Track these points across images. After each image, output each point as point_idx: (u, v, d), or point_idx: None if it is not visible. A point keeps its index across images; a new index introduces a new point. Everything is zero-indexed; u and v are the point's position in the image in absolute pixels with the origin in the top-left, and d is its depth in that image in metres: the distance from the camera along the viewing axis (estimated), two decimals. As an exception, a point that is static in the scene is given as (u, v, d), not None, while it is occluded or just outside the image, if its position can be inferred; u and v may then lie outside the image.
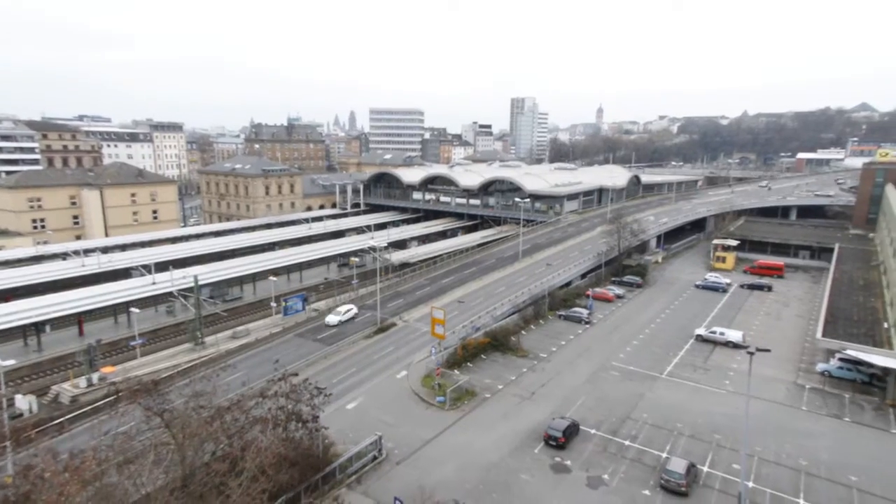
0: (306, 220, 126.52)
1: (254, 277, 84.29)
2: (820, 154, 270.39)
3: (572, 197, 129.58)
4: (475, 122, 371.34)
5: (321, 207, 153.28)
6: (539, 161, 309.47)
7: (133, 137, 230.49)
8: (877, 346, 49.50)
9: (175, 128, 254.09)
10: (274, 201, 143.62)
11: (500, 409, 46.55)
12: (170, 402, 29.64)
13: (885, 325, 54.25)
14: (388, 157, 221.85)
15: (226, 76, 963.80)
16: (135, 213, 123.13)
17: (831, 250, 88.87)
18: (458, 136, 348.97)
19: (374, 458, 38.81)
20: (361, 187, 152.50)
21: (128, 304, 66.43)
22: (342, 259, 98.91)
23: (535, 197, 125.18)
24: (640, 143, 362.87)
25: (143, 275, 76.60)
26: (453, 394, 47.54)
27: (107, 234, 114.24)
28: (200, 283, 65.43)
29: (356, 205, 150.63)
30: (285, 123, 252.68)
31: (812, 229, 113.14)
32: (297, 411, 33.78)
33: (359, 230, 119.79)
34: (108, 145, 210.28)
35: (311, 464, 34.43)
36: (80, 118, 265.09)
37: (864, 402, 48.30)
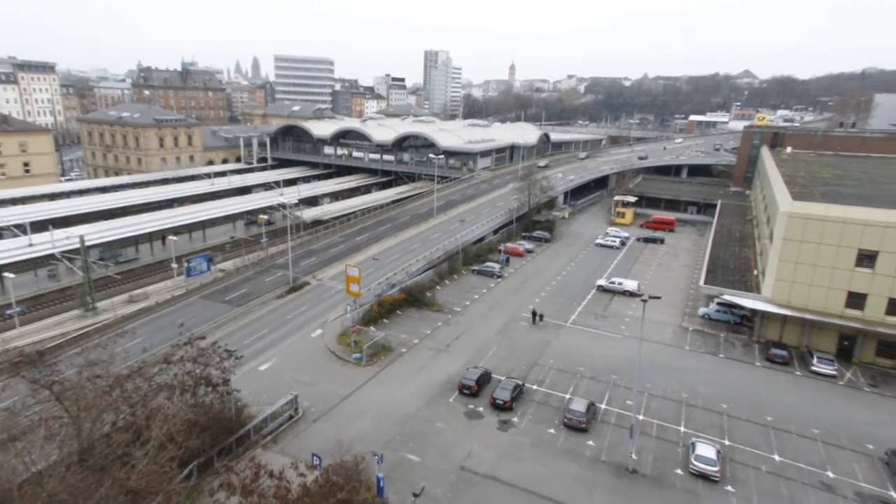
0: (208, 175, 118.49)
1: (150, 237, 78.33)
2: (709, 117, 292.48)
3: (485, 154, 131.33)
4: (388, 75, 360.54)
5: (224, 162, 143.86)
6: (453, 117, 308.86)
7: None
8: (748, 290, 55.98)
9: (46, 68, 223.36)
10: (169, 154, 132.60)
11: (416, 362, 47.74)
12: (59, 372, 27.40)
13: (755, 272, 61.32)
14: (296, 108, 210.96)
15: (103, 9, 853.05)
16: (1, 166, 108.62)
17: (715, 206, 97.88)
18: (371, 89, 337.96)
19: (291, 417, 38.62)
20: (268, 141, 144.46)
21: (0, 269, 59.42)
22: (249, 216, 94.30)
23: (450, 153, 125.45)
24: (549, 101, 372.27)
25: (16, 235, 68.49)
26: (370, 350, 47.96)
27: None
28: (88, 243, 59.79)
29: (263, 159, 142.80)
30: (179, 69, 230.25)
31: (699, 187, 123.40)
32: (207, 375, 32.59)
33: (267, 186, 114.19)
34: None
35: (223, 427, 33.64)
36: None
37: (735, 340, 54.89)
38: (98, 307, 57.12)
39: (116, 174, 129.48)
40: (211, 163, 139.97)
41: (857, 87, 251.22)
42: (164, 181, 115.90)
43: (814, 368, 48.23)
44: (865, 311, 49.07)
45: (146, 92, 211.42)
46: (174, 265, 66.51)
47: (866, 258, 48.49)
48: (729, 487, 33.63)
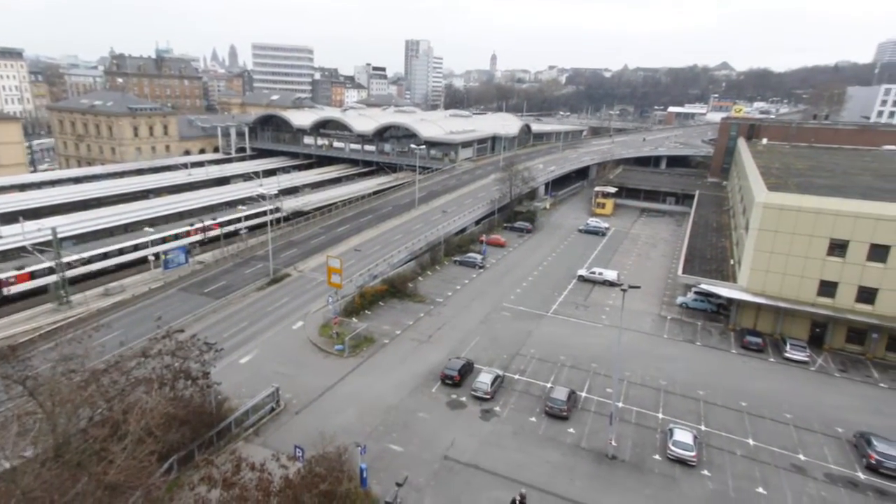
0: (185, 166, 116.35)
1: (126, 229, 76.71)
2: (687, 108, 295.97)
3: (467, 144, 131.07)
4: (369, 64, 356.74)
5: (201, 152, 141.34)
6: (434, 107, 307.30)
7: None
8: (724, 280, 57.08)
9: (13, 54, 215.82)
10: (145, 144, 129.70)
11: (399, 353, 47.77)
12: (33, 368, 26.80)
13: (731, 261, 62.51)
14: (275, 97, 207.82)
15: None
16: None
17: (693, 196, 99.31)
18: (351, 79, 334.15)
19: (272, 409, 38.39)
20: (247, 130, 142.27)
21: (-32, 262, 57.65)
22: (229, 208, 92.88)
23: (431, 144, 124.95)
24: (531, 92, 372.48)
25: (-15, 228, 66.50)
26: (352, 341, 47.82)
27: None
28: (61, 235, 58.36)
29: (241, 149, 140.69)
30: (153, 56, 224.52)
31: (678, 177, 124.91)
32: (186, 369, 32.20)
33: (246, 177, 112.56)
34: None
35: (204, 421, 33.34)
36: None
37: (712, 328, 56.01)
38: (72, 301, 55.89)
39: (89, 164, 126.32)
40: (188, 153, 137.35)
41: (831, 80, 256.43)
42: (140, 172, 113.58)
43: (787, 355, 49.51)
44: (836, 299, 50.47)
45: (119, 80, 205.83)
46: (151, 257, 65.32)
47: (837, 247, 49.77)
48: (705, 472, 34.47)
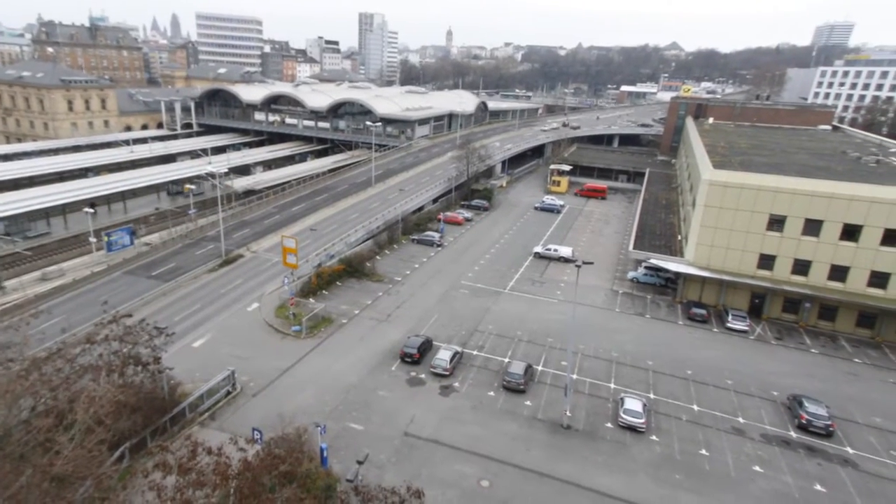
0: (127, 142, 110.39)
1: (64, 209, 72.53)
2: (639, 87, 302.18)
3: (423, 122, 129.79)
4: (321, 38, 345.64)
5: (144, 128, 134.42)
6: (390, 83, 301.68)
7: None
8: (672, 255, 59.41)
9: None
10: (81, 119, 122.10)
11: (358, 333, 47.62)
12: (-35, 358, 25.27)
13: (679, 237, 65.05)
14: (222, 71, 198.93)
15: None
16: None
17: (643, 174, 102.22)
18: (303, 52, 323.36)
19: (228, 393, 37.71)
20: (193, 105, 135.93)
21: None
22: (175, 186, 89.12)
23: (387, 121, 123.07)
24: (487, 69, 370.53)
25: None
26: (309, 322, 47.28)
27: None
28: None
29: (187, 125, 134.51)
30: (86, 24, 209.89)
31: (630, 156, 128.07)
32: (135, 354, 31.07)
33: (193, 154, 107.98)
34: None
35: (156, 407, 32.42)
36: None
37: (661, 301, 58.41)
38: (6, 286, 52.69)
39: (19, 140, 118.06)
40: (129, 129, 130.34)
41: (773, 62, 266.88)
42: (77, 148, 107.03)
43: (729, 325, 52.30)
44: (774, 272, 53.49)
45: (50, 49, 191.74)
46: (93, 239, 62.14)
47: (776, 223, 52.57)
48: (653, 437, 36.30)
